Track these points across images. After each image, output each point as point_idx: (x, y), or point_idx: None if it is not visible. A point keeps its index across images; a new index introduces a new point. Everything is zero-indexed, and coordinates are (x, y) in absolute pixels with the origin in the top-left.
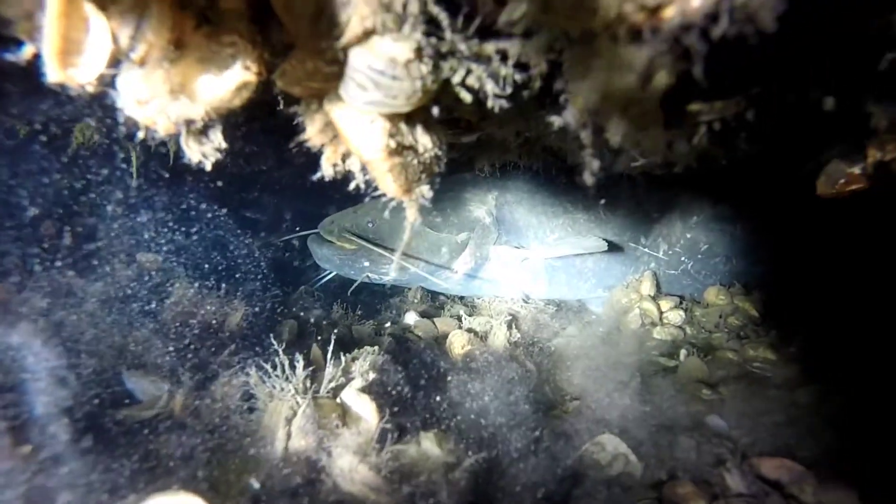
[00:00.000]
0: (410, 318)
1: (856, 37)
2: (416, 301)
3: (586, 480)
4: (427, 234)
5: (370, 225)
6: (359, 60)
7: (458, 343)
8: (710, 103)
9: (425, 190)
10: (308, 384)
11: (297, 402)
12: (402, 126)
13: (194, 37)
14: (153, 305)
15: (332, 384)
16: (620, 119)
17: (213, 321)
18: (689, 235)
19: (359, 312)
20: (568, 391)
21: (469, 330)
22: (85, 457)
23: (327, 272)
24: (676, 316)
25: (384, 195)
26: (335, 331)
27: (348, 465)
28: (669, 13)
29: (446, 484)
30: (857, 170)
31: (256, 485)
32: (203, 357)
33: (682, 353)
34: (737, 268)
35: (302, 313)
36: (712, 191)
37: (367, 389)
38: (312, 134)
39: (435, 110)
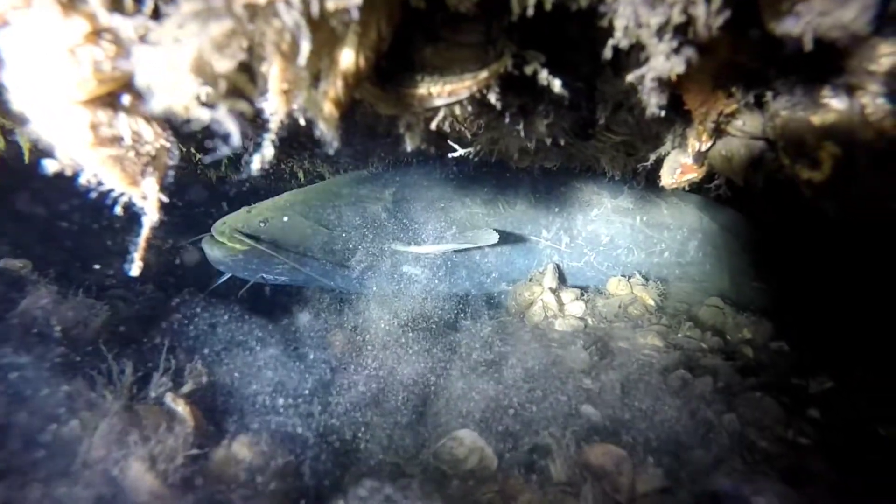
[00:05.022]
0: (304, 317)
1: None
2: (315, 300)
3: (438, 474)
4: (321, 232)
5: (262, 225)
6: (9, 41)
7: (339, 341)
8: (438, 86)
9: (152, 183)
10: (134, 391)
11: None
12: (102, 115)
13: None
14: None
15: (162, 389)
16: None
17: (71, 327)
18: (590, 228)
19: (246, 316)
20: (441, 385)
21: (353, 328)
22: None
23: (223, 274)
24: (577, 308)
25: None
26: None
27: (136, 474)
28: None
29: (245, 488)
30: (689, 160)
31: None
32: (42, 367)
33: (579, 343)
34: (637, 259)
35: (180, 317)
36: (610, 185)
37: (195, 393)
38: (36, 127)
39: (126, 98)
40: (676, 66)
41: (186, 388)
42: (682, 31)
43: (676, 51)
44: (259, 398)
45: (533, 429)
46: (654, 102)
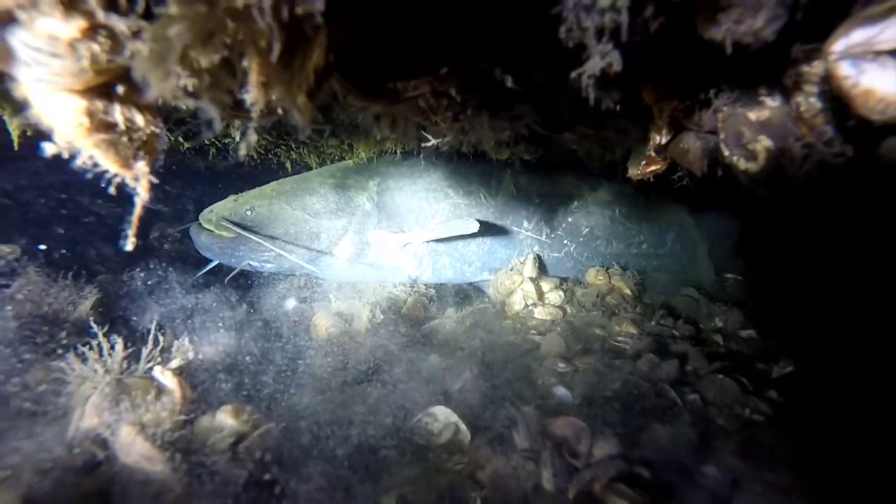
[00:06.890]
0: (290, 303)
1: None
2: (300, 287)
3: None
4: (306, 220)
5: (249, 213)
6: (17, 36)
7: (323, 325)
8: (406, 82)
9: (142, 166)
10: (125, 365)
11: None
12: (98, 103)
13: None
14: None
15: (151, 363)
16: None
17: (60, 310)
18: (570, 219)
19: (234, 299)
20: (423, 368)
21: (337, 313)
22: None
23: (210, 261)
24: (556, 296)
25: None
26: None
27: (126, 438)
28: None
29: (228, 451)
30: (651, 152)
31: None
32: (30, 346)
33: (557, 330)
34: (616, 250)
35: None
36: (589, 178)
37: (185, 367)
38: (37, 113)
39: (120, 89)
40: (614, 65)
41: (175, 364)
42: (617, 35)
43: (612, 51)
44: (245, 370)
45: (505, 406)
46: (593, 97)
